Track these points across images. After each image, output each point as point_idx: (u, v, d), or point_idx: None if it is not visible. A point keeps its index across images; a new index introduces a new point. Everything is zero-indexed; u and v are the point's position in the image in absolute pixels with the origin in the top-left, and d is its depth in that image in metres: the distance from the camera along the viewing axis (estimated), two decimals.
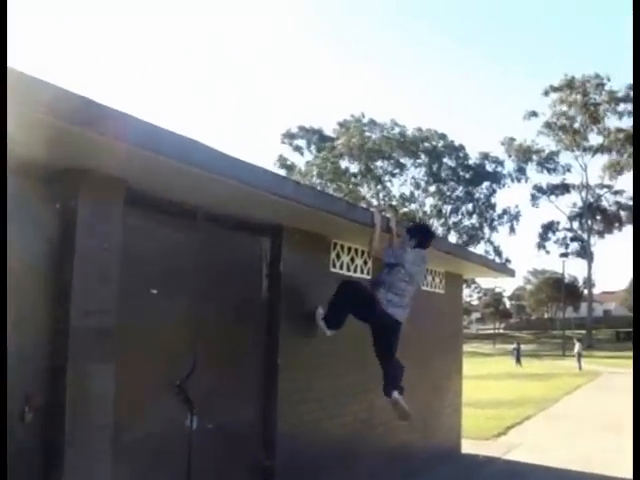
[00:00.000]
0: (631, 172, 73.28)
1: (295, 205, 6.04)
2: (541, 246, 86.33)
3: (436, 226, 78.30)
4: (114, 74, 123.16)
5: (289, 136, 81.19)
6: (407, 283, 7.08)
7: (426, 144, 76.93)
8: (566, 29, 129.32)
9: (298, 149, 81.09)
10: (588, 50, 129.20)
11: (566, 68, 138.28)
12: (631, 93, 70.84)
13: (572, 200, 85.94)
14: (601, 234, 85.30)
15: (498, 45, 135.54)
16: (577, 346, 46.32)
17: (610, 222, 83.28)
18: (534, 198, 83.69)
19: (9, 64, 3.40)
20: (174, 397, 5.67)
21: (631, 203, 77.28)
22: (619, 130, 76.64)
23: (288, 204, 5.96)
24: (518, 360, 48.38)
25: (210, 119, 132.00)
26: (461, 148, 78.77)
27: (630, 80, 70.37)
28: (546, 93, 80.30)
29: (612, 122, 78.10)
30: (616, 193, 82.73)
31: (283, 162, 79.53)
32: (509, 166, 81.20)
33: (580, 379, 32.61)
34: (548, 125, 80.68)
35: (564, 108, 79.79)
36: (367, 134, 77.28)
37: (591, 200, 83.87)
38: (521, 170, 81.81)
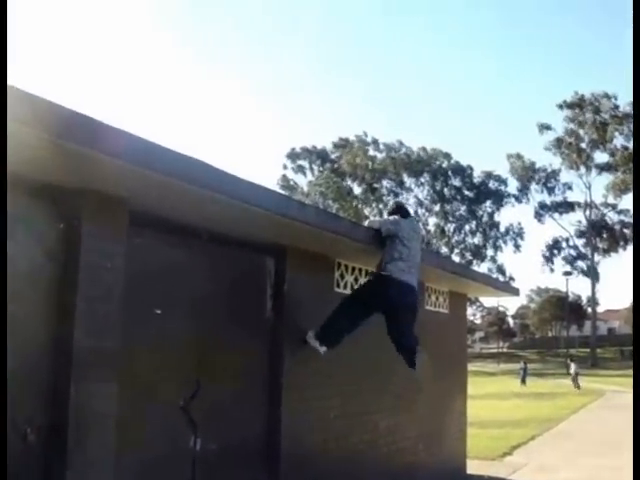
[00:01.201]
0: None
1: (299, 225, 6.02)
2: (546, 264, 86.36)
3: (439, 245, 78.40)
4: (116, 92, 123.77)
5: (292, 156, 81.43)
6: (409, 249, 7.14)
7: (431, 165, 77.15)
8: (575, 45, 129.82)
9: (301, 169, 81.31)
10: (598, 67, 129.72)
11: (575, 84, 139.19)
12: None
13: (576, 218, 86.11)
14: (606, 252, 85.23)
15: (505, 62, 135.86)
16: (573, 367, 46.32)
17: (615, 240, 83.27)
18: (538, 215, 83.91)
19: (9, 81, 3.40)
20: (178, 418, 5.63)
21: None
22: (625, 148, 76.76)
23: (292, 224, 5.95)
24: (523, 380, 48.27)
25: (212, 140, 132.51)
26: (466, 168, 79.00)
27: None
28: (560, 107, 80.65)
29: (619, 141, 78.47)
30: (620, 212, 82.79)
31: (285, 183, 79.69)
32: (512, 184, 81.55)
33: (585, 398, 32.48)
34: (557, 142, 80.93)
35: (573, 126, 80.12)
36: (371, 153, 77.48)
37: (595, 219, 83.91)
38: (524, 188, 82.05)
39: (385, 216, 7.65)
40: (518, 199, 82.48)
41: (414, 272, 7.14)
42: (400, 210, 7.72)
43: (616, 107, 77.96)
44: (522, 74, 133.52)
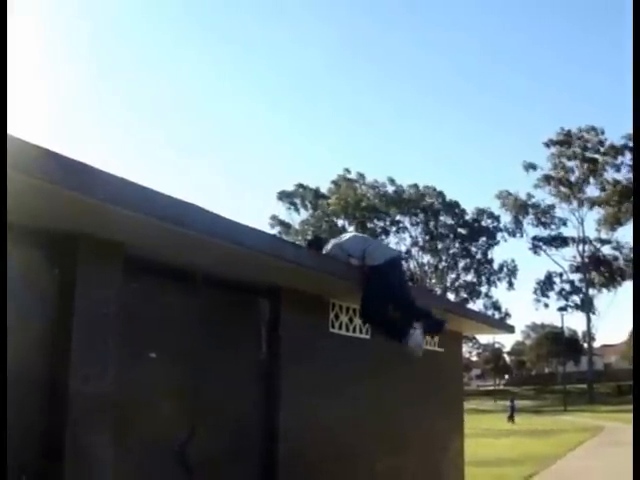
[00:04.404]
0: (628, 225, 73.62)
1: (294, 267, 6.05)
2: (540, 300, 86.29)
3: (434, 283, 78.37)
4: (103, 136, 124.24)
5: (285, 195, 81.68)
6: (356, 243, 7.55)
7: (423, 202, 77.43)
8: (561, 81, 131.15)
9: (294, 207, 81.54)
10: (584, 101, 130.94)
11: (562, 119, 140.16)
12: (629, 143, 71.18)
13: (571, 253, 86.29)
14: (602, 287, 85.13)
15: (492, 98, 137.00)
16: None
17: (611, 275, 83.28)
18: (535, 247, 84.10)
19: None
20: (173, 463, 5.60)
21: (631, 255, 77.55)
22: (616, 182, 77.24)
23: (287, 266, 5.97)
24: (511, 416, 48.50)
25: (203, 178, 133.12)
26: (458, 205, 79.24)
27: (626, 131, 70.97)
28: (547, 145, 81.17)
29: (609, 174, 79.02)
30: (616, 248, 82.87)
31: (279, 221, 79.89)
32: (505, 219, 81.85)
33: (582, 435, 32.28)
34: (546, 178, 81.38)
35: (563, 161, 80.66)
36: (360, 192, 77.76)
37: (588, 253, 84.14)
38: (518, 223, 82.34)
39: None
40: (512, 233, 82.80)
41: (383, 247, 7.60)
42: (319, 241, 7.95)
43: (601, 142, 78.57)
44: (509, 110, 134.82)
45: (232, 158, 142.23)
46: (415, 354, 7.01)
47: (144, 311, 5.41)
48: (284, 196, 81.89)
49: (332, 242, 7.62)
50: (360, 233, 8.00)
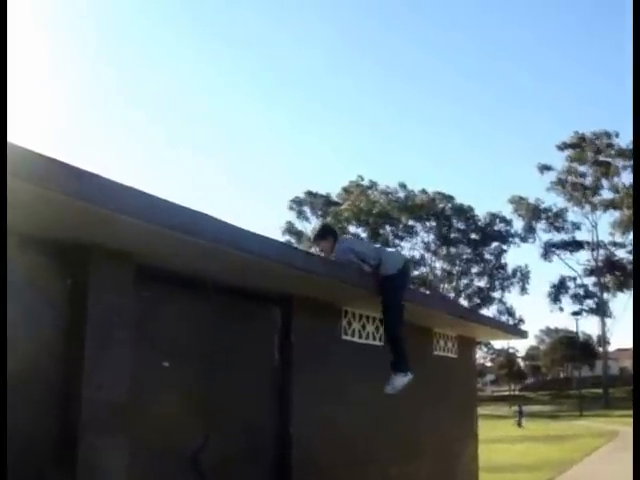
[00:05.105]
0: None
1: (305, 275, 6.06)
2: (554, 304, 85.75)
3: (447, 289, 78.07)
4: (111, 142, 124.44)
5: (296, 202, 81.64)
6: (370, 249, 7.84)
7: (434, 208, 77.11)
8: (573, 85, 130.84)
9: (305, 215, 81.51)
10: (597, 105, 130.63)
11: (574, 123, 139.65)
12: None
13: (584, 257, 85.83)
14: (618, 290, 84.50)
15: (503, 102, 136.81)
16: None
17: (626, 278, 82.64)
18: (546, 254, 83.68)
19: (15, 141, 3.46)
20: (186, 470, 5.61)
21: None
22: (630, 186, 76.89)
23: (298, 274, 5.99)
24: (519, 423, 48.34)
25: (213, 186, 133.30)
26: (470, 210, 78.93)
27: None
28: (561, 148, 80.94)
29: (623, 177, 78.65)
30: (630, 252, 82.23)
31: (290, 228, 79.87)
32: (518, 225, 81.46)
33: (598, 440, 32.05)
34: (559, 181, 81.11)
35: (575, 165, 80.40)
36: (372, 198, 77.54)
37: (602, 257, 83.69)
38: (530, 229, 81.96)
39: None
40: (524, 239, 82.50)
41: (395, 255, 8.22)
42: (330, 233, 7.89)
43: (613, 145, 78.18)
44: (520, 114, 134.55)
45: (241, 166, 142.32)
46: (385, 390, 7.08)
47: (156, 319, 5.44)
48: (295, 204, 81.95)
49: (342, 246, 7.54)
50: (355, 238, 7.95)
